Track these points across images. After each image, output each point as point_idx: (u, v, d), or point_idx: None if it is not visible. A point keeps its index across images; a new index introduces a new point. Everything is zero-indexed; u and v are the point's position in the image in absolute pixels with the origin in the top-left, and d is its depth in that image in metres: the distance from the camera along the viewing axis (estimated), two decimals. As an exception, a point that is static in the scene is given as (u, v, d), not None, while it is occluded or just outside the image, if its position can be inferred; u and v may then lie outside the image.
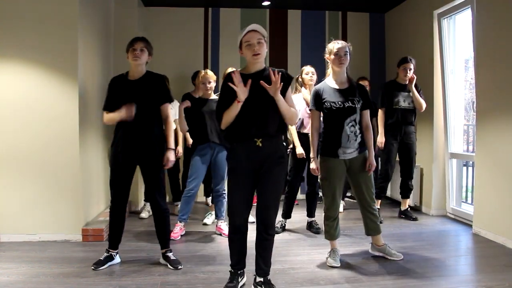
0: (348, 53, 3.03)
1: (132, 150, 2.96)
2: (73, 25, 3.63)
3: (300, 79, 4.08)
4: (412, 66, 4.31)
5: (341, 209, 4.35)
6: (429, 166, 4.89)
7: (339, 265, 3.08)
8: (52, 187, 3.65)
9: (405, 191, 4.56)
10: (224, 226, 3.96)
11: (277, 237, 3.89)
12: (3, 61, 3.59)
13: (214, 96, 3.95)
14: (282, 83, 2.36)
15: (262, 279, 2.53)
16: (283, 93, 2.44)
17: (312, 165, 3.13)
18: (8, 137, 3.61)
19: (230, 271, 2.62)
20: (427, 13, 4.87)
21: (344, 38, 6.00)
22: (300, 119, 3.95)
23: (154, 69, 5.10)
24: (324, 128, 3.15)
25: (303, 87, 4.06)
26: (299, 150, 3.88)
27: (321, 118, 3.18)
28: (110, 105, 3.02)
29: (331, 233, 3.17)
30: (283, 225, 4.11)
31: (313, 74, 4.00)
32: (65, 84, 3.64)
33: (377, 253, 3.28)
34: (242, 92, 2.35)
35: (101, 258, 3.06)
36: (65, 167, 3.66)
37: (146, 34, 5.55)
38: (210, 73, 3.90)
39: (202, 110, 3.84)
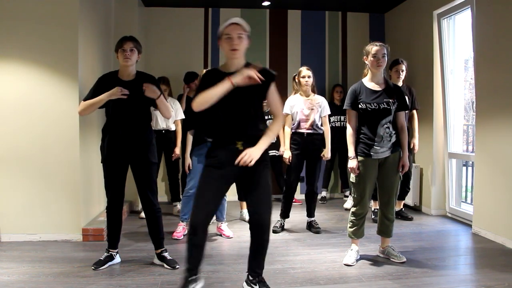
0: (386, 55, 3.04)
1: (123, 151, 2.96)
2: (73, 25, 3.64)
3: (297, 80, 4.08)
4: (404, 68, 4.32)
5: (373, 206, 4.39)
6: (428, 166, 4.90)
7: (354, 264, 3.11)
8: (53, 187, 3.66)
9: (402, 193, 4.56)
10: (225, 227, 3.97)
11: (277, 236, 3.92)
12: (3, 62, 3.59)
13: None
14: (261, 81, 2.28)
15: (256, 279, 2.50)
16: (265, 90, 2.36)
17: (351, 164, 3.09)
18: (9, 137, 3.61)
19: (185, 276, 2.39)
20: (427, 13, 4.87)
21: (344, 38, 6.01)
22: (297, 120, 3.99)
23: (154, 69, 5.14)
24: (358, 128, 3.16)
25: (300, 89, 4.07)
26: (286, 154, 3.97)
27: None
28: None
29: (355, 231, 3.19)
30: (282, 224, 4.12)
31: (309, 78, 4.01)
32: (65, 84, 3.65)
33: (381, 255, 3.30)
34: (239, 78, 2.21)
35: (101, 258, 3.06)
36: (66, 167, 3.66)
37: (146, 34, 5.58)
38: None
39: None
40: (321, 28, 5.99)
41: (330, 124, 5.51)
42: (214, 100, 2.23)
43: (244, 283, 2.56)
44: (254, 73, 2.19)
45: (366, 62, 3.11)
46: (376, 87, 3.09)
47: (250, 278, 2.52)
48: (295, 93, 4.10)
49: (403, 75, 4.30)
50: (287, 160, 3.96)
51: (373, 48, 3.04)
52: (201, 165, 3.83)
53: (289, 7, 5.88)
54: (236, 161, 2.23)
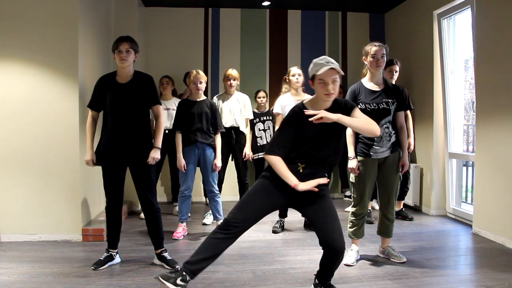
0: (385, 55, 3.04)
1: (121, 151, 2.96)
2: (73, 25, 3.63)
3: (287, 79, 4.08)
4: (397, 68, 4.31)
5: (376, 206, 4.38)
6: (429, 166, 4.90)
7: (354, 264, 3.12)
8: (53, 187, 3.65)
9: (401, 193, 4.56)
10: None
11: (277, 236, 3.92)
12: (3, 61, 3.59)
13: (203, 98, 3.95)
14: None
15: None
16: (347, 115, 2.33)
17: (351, 164, 3.09)
18: (9, 137, 3.61)
19: (180, 268, 2.23)
20: (427, 13, 4.87)
21: (344, 38, 6.01)
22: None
23: (154, 69, 5.14)
24: None
25: (291, 89, 4.09)
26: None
27: None
28: (95, 105, 3.06)
29: (355, 231, 3.19)
30: (282, 224, 4.13)
31: (299, 76, 4.00)
32: (65, 84, 3.65)
33: (381, 255, 3.30)
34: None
35: (101, 258, 3.06)
36: (66, 167, 3.66)
37: (146, 34, 5.58)
38: (201, 73, 3.86)
39: (191, 111, 3.82)
40: (321, 28, 5.98)
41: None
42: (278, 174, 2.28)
43: (312, 286, 2.53)
44: (314, 187, 2.23)
45: (365, 62, 3.11)
46: (375, 87, 3.09)
47: (320, 285, 2.49)
48: (285, 93, 4.10)
49: (396, 76, 4.31)
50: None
51: (372, 48, 3.04)
52: (191, 166, 3.87)
53: (289, 7, 5.88)
54: (308, 113, 2.19)
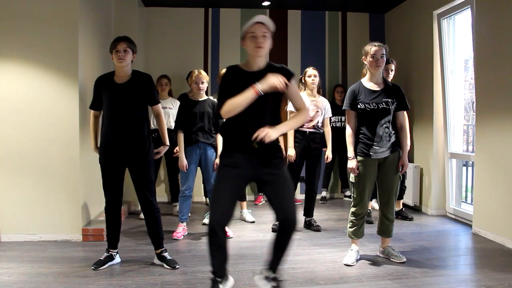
0: (384, 56, 3.04)
1: (122, 152, 2.97)
2: (73, 25, 3.63)
3: (303, 80, 4.13)
4: (393, 67, 4.31)
5: (376, 206, 4.39)
6: (428, 166, 4.90)
7: (354, 264, 3.11)
8: (53, 187, 3.65)
9: (400, 192, 4.56)
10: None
11: (277, 237, 3.92)
12: (3, 61, 3.59)
13: (205, 97, 3.96)
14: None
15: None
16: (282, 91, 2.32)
17: (350, 164, 3.09)
18: (9, 137, 3.61)
19: (211, 278, 2.32)
20: (427, 13, 4.87)
21: (344, 38, 6.02)
22: None
23: (154, 69, 5.14)
24: (357, 128, 3.15)
25: (306, 89, 4.13)
26: (291, 151, 4.03)
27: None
28: (96, 105, 3.11)
29: (355, 231, 3.19)
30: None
31: (315, 77, 4.06)
32: (66, 84, 3.65)
33: (380, 255, 3.30)
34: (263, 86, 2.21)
35: (101, 258, 3.06)
36: (66, 167, 3.66)
37: (146, 34, 5.58)
38: (203, 73, 3.89)
39: (193, 111, 3.84)
40: (321, 28, 5.99)
41: (331, 124, 5.55)
42: (242, 109, 2.22)
43: (256, 277, 2.46)
44: (278, 82, 2.17)
45: (365, 62, 3.11)
46: (375, 87, 3.09)
47: (265, 272, 2.41)
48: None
49: (392, 74, 4.30)
50: (292, 158, 4.01)
51: (371, 48, 3.04)
52: (193, 166, 3.87)
53: (289, 7, 5.88)
54: (253, 137, 2.19)
